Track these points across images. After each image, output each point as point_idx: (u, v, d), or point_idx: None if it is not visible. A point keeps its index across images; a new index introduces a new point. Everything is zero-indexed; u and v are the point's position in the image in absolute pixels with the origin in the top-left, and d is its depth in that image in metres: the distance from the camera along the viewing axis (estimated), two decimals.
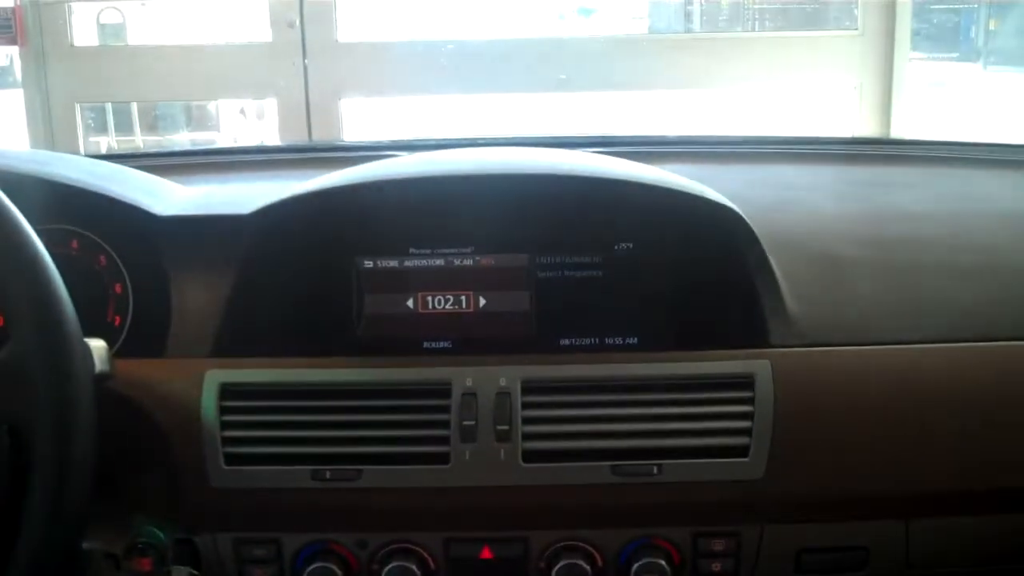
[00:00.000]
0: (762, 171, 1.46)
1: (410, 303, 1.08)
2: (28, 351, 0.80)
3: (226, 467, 1.00)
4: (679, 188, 1.08)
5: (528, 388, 1.01)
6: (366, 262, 1.08)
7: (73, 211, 1.09)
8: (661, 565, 1.01)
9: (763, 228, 1.07)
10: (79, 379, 0.81)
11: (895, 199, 1.31)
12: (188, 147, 3.43)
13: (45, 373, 0.80)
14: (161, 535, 1.04)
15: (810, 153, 1.58)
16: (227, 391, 1.02)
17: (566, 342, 1.08)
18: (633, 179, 1.10)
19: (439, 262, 1.09)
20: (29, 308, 0.81)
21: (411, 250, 1.09)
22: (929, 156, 1.55)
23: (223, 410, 1.01)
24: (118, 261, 1.11)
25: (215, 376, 1.02)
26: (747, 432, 1.00)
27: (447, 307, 1.08)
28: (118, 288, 1.10)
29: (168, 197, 1.16)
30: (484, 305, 1.08)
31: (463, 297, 1.08)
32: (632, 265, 1.08)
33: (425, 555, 1.03)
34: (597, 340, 1.08)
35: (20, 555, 0.79)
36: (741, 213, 1.06)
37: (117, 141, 3.61)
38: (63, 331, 0.81)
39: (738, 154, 1.55)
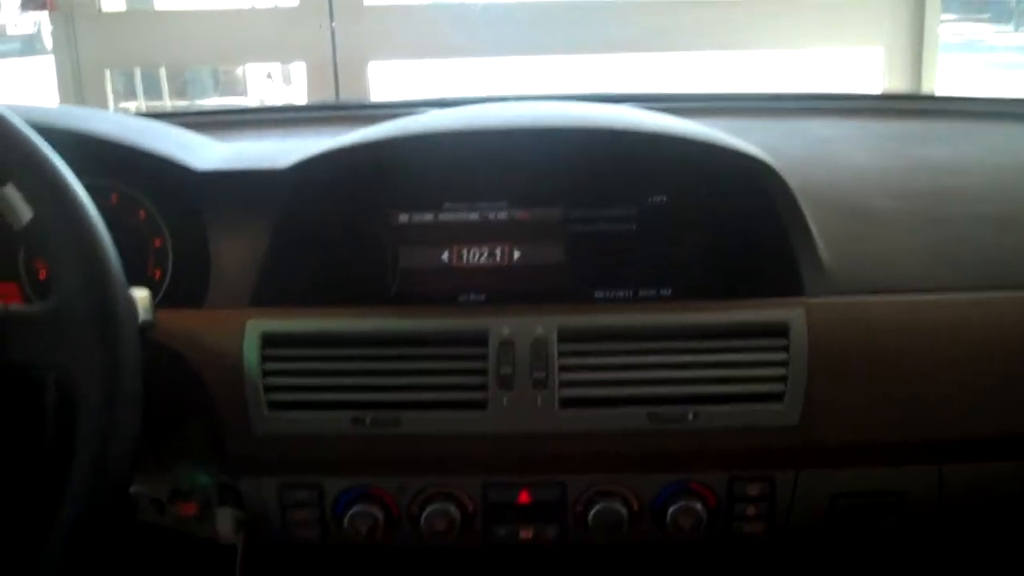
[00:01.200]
0: (794, 125, 1.46)
1: (445, 256, 1.09)
2: (74, 301, 0.81)
3: (268, 413, 1.02)
4: (712, 140, 1.09)
5: (564, 336, 1.03)
6: (401, 216, 1.09)
7: (113, 166, 1.10)
8: (697, 509, 1.03)
9: (795, 180, 1.07)
10: (125, 328, 0.83)
11: (927, 152, 1.31)
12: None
13: (92, 322, 0.81)
14: (205, 480, 1.07)
15: (842, 109, 1.57)
16: (268, 340, 1.03)
17: (600, 294, 1.09)
18: (667, 132, 1.10)
19: (474, 216, 1.10)
20: (75, 259, 0.82)
21: (446, 204, 1.10)
22: (961, 111, 1.55)
23: (264, 358, 1.03)
24: (157, 215, 1.13)
25: (256, 326, 1.04)
26: (782, 379, 1.01)
27: (482, 260, 1.09)
28: (157, 242, 1.12)
29: (205, 152, 1.18)
30: (518, 258, 1.09)
31: (498, 250, 1.10)
32: (665, 217, 1.09)
33: (464, 499, 1.05)
34: (631, 292, 1.08)
35: (69, 499, 0.80)
36: (774, 165, 1.07)
37: (146, 106, 3.63)
38: (109, 281, 0.83)
39: (770, 109, 1.55)
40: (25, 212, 0.82)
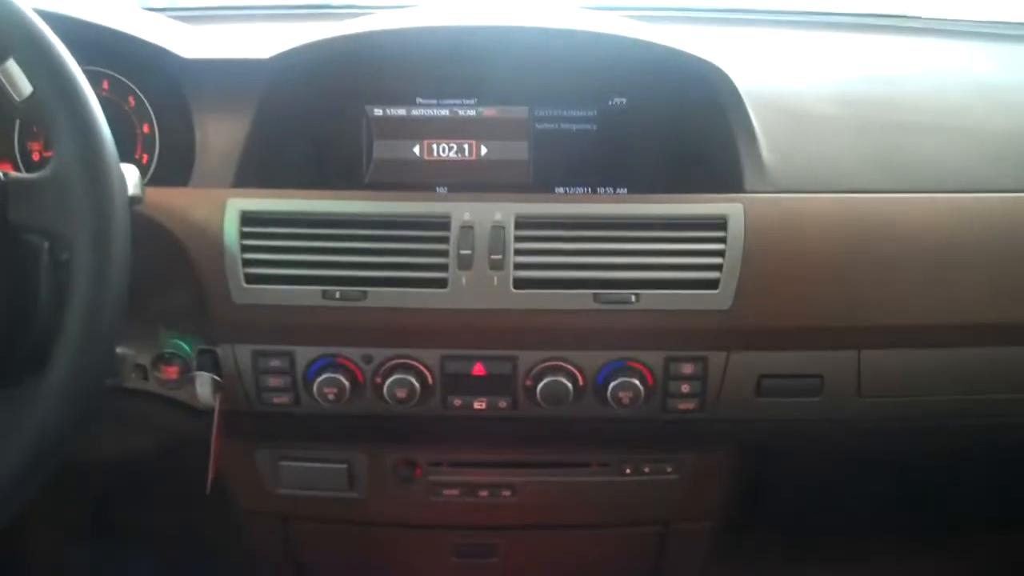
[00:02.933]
0: (755, 36, 1.52)
1: (416, 150, 1.17)
2: (70, 170, 0.86)
3: (246, 285, 1.09)
4: (669, 46, 1.15)
5: (520, 223, 1.10)
6: (376, 110, 1.16)
7: (105, 53, 1.16)
8: (635, 384, 1.11)
9: (747, 86, 1.14)
10: (116, 196, 0.88)
11: (880, 65, 1.38)
12: None
13: (86, 188, 0.86)
14: (186, 347, 1.15)
15: (806, 23, 1.63)
16: (247, 218, 1.10)
17: (561, 190, 1.16)
18: (627, 36, 1.17)
19: (444, 112, 1.17)
20: (72, 131, 0.86)
21: (418, 99, 1.17)
22: (936, 30, 1.60)
23: (243, 235, 1.10)
24: (145, 102, 1.19)
25: (236, 204, 1.11)
26: (718, 268, 1.09)
27: (450, 154, 1.17)
28: (146, 128, 1.18)
29: (192, 42, 1.23)
30: (485, 153, 1.17)
31: (466, 145, 1.17)
32: (625, 118, 1.16)
33: (423, 369, 1.13)
34: (590, 189, 1.16)
35: (59, 357, 0.86)
36: (725, 70, 1.13)
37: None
38: (103, 152, 0.88)
39: (733, 20, 1.60)
40: (25, 86, 0.87)
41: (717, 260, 1.09)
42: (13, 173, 0.87)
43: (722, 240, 1.10)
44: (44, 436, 0.85)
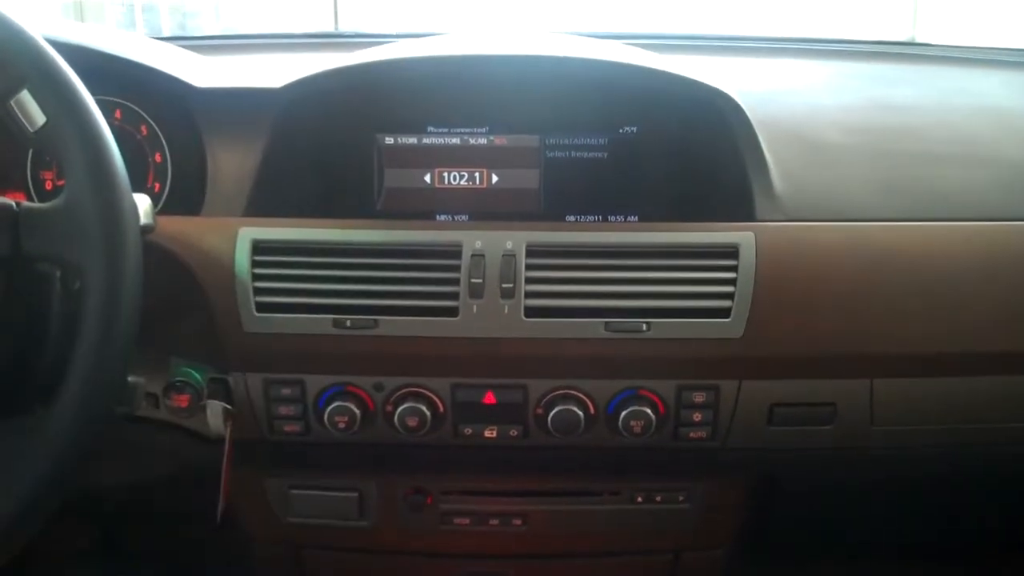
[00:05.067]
0: (765, 64, 1.52)
1: (427, 178, 1.17)
2: (82, 199, 0.86)
3: (257, 314, 1.10)
4: (679, 74, 1.16)
5: (531, 251, 1.10)
6: (387, 138, 1.17)
7: (118, 82, 1.17)
8: (647, 413, 1.11)
9: (758, 114, 1.15)
10: (128, 225, 0.88)
11: (888, 92, 1.38)
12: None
13: (99, 218, 0.86)
14: (197, 375, 1.14)
15: (815, 51, 1.64)
16: (259, 246, 1.11)
17: (571, 218, 1.16)
18: (638, 65, 1.17)
19: (455, 140, 1.17)
20: (85, 161, 0.87)
21: (429, 128, 1.17)
22: (936, 56, 1.61)
23: (255, 263, 1.11)
24: (158, 131, 1.20)
25: (248, 233, 1.11)
26: (729, 296, 1.09)
27: (461, 183, 1.17)
28: (158, 157, 1.19)
29: (204, 71, 1.24)
30: (496, 182, 1.17)
31: (477, 173, 1.17)
32: (635, 147, 1.16)
33: (434, 398, 1.13)
34: (601, 217, 1.16)
35: (70, 386, 0.86)
36: (736, 98, 1.14)
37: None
38: (115, 182, 0.88)
39: (744, 48, 1.61)
40: (38, 116, 0.87)
41: (729, 288, 1.09)
42: (25, 202, 0.88)
43: (733, 268, 1.10)
44: (54, 465, 0.85)
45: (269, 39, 1.69)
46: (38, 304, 0.95)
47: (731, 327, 1.09)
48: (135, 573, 1.63)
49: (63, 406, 0.86)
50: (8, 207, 0.87)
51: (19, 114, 0.87)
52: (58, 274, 0.96)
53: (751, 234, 1.11)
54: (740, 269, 1.09)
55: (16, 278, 0.90)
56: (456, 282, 1.10)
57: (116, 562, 1.65)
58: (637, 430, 1.11)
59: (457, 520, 1.23)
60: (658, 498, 1.22)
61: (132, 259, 0.88)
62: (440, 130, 1.18)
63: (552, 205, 1.17)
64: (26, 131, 0.88)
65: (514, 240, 1.11)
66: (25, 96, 0.87)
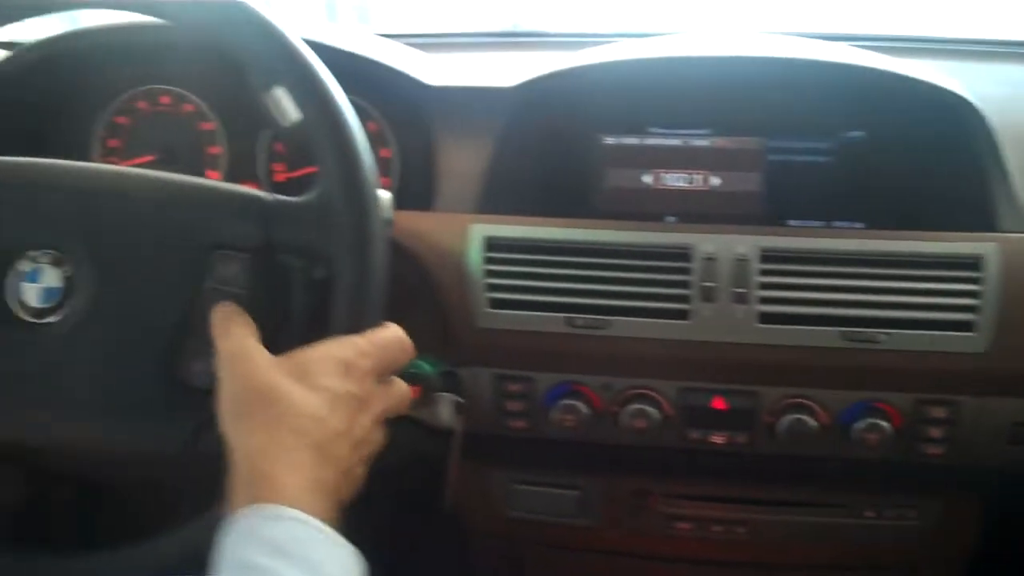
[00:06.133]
0: (1000, 69, 1.46)
1: (647, 178, 1.17)
2: (335, 194, 0.88)
3: (490, 310, 1.11)
4: (916, 77, 1.12)
5: (766, 256, 1.09)
6: (609, 138, 1.17)
7: (350, 79, 1.19)
8: (882, 426, 1.08)
9: (995, 119, 1.10)
10: (377, 221, 0.90)
11: None
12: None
13: (350, 211, 0.88)
14: (428, 367, 1.17)
15: None
16: (491, 243, 1.13)
17: (794, 223, 1.14)
18: (870, 67, 1.14)
19: (677, 142, 1.17)
20: (338, 157, 0.89)
21: (651, 129, 1.17)
22: None
23: (487, 260, 1.12)
24: (386, 128, 1.23)
25: (479, 230, 1.13)
26: (972, 309, 1.05)
27: (681, 184, 1.17)
28: (385, 152, 1.22)
29: (431, 69, 1.27)
30: (717, 184, 1.16)
31: (697, 175, 1.16)
32: (863, 152, 1.13)
33: (662, 400, 1.13)
34: (824, 223, 1.14)
35: None
36: (976, 103, 1.10)
37: None
38: (367, 178, 0.89)
39: (977, 53, 1.55)
40: (293, 113, 0.89)
41: (971, 301, 1.05)
42: (277, 195, 0.91)
43: (976, 280, 1.06)
44: None
45: (450, 38, 1.71)
46: (281, 294, 0.99)
47: (974, 341, 1.05)
48: None
49: None
50: (259, 199, 0.90)
51: (273, 109, 0.90)
52: (299, 264, 1.00)
53: (995, 245, 1.06)
54: (985, 281, 1.05)
55: (266, 269, 0.92)
56: (687, 285, 1.09)
57: None
58: (871, 443, 1.08)
59: (679, 524, 1.22)
60: (888, 513, 1.18)
61: (380, 252, 0.90)
62: (662, 131, 1.17)
63: (773, 209, 1.15)
64: (279, 126, 0.90)
65: (746, 244, 1.09)
66: (281, 93, 0.90)
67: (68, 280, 0.90)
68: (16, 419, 0.91)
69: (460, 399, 1.14)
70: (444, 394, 1.14)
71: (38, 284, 0.90)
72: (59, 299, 0.90)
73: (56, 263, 0.90)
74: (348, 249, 0.88)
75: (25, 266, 0.90)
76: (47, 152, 1.01)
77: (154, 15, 0.93)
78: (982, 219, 1.09)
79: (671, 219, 1.16)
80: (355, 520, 1.61)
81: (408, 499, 1.35)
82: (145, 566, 0.89)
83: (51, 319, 0.89)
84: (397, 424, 1.19)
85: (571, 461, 1.21)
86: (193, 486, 0.92)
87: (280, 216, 0.90)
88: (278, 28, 0.91)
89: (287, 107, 0.90)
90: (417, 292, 1.13)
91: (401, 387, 0.90)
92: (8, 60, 1.24)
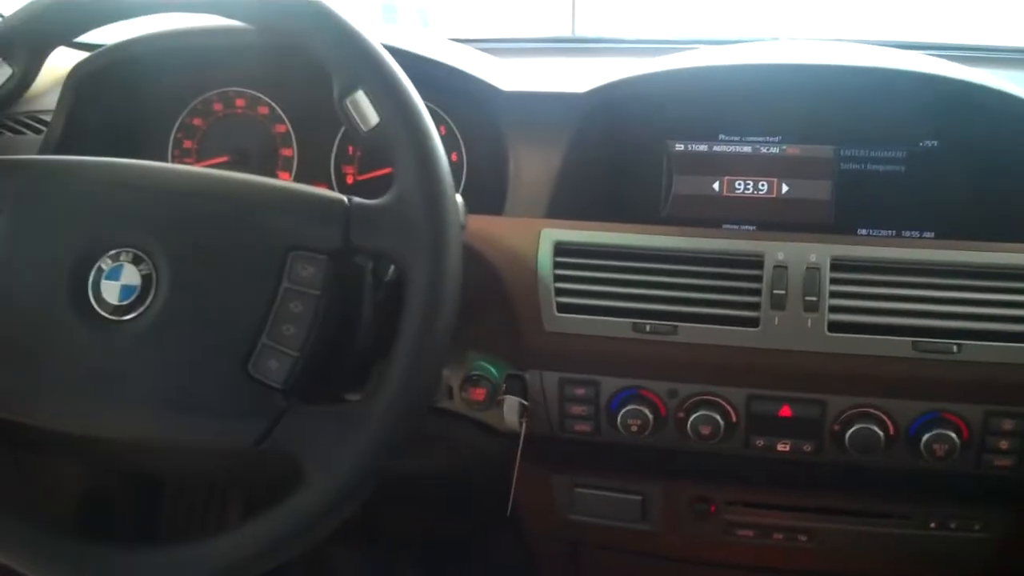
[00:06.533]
0: None
1: (716, 186, 1.18)
2: (412, 197, 0.90)
3: (558, 314, 1.12)
4: (989, 86, 1.12)
5: (836, 265, 1.08)
6: (677, 145, 1.18)
7: (424, 83, 1.21)
8: (951, 437, 1.07)
9: None
10: (452, 222, 0.91)
11: None
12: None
13: (426, 214, 0.89)
14: (493, 370, 1.18)
15: None
16: (560, 248, 1.13)
17: (864, 231, 1.15)
18: (944, 75, 1.14)
19: (746, 149, 1.17)
20: (416, 160, 0.90)
21: (721, 136, 1.18)
22: None
23: (556, 264, 1.13)
24: (456, 131, 1.24)
25: (550, 234, 1.14)
26: None
27: (750, 191, 1.17)
28: (454, 156, 1.23)
29: (503, 73, 1.28)
30: (786, 192, 1.17)
31: (766, 183, 1.17)
32: (936, 161, 1.13)
33: (728, 407, 1.13)
34: (895, 232, 1.14)
35: (395, 375, 0.88)
36: None
37: None
38: (444, 182, 0.91)
39: None
40: (372, 116, 0.91)
41: None
42: (356, 198, 0.92)
43: None
44: (375, 452, 0.88)
45: (514, 43, 1.71)
46: (353, 294, 1.00)
47: None
48: (403, 560, 1.69)
49: (387, 395, 0.89)
50: (341, 202, 0.91)
51: (354, 113, 0.92)
52: (370, 265, 1.01)
53: None
54: None
55: (343, 270, 0.94)
56: (757, 292, 1.09)
57: (379, 547, 1.71)
58: (939, 454, 1.08)
59: (741, 532, 1.22)
60: (953, 525, 1.18)
61: (454, 255, 0.91)
62: (731, 138, 1.18)
63: (844, 217, 1.15)
64: (360, 130, 0.92)
65: (817, 252, 1.09)
66: (360, 96, 0.92)
67: (146, 278, 0.91)
68: (92, 415, 0.93)
69: (524, 402, 1.15)
70: (509, 397, 1.16)
71: (118, 282, 0.92)
72: (138, 297, 0.91)
73: (136, 261, 0.92)
74: (424, 252, 0.89)
75: (106, 264, 0.92)
76: (125, 152, 1.03)
77: (233, 17, 0.95)
78: None
79: (739, 227, 1.16)
80: (419, 520, 1.65)
81: (471, 501, 1.36)
82: (206, 562, 0.91)
83: (129, 316, 0.91)
84: (462, 426, 1.22)
85: (634, 466, 1.22)
86: (257, 485, 0.94)
87: (359, 219, 0.91)
88: (359, 31, 0.92)
89: (367, 110, 0.92)
90: (486, 295, 1.14)
91: None
92: (88, 61, 1.27)
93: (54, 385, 0.92)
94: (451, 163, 1.21)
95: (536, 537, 1.36)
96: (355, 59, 0.92)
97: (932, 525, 1.18)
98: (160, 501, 1.71)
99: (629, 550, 1.30)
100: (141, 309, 0.91)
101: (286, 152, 1.32)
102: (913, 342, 1.06)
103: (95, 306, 0.92)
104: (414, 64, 1.19)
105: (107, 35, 1.16)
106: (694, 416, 1.12)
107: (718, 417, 1.11)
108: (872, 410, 1.10)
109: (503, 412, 1.16)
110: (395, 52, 0.95)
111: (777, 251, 1.09)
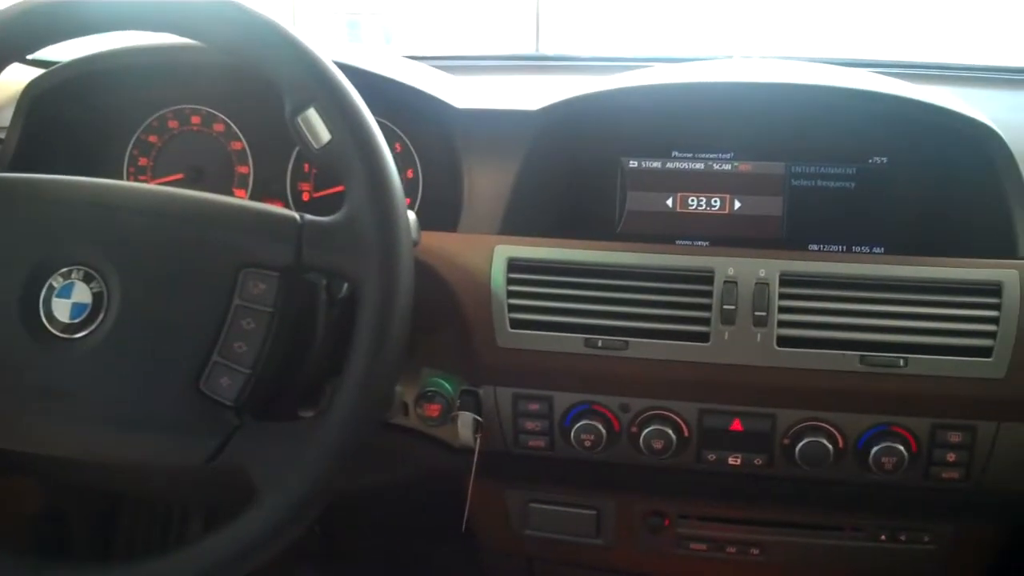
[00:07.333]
0: (1018, 96, 1.47)
1: (669, 202, 1.19)
2: (364, 214, 0.90)
3: (511, 330, 1.12)
4: (939, 104, 1.13)
5: (785, 280, 1.10)
6: (631, 162, 1.19)
7: (378, 100, 1.21)
8: (899, 450, 1.09)
9: (1017, 147, 1.11)
10: (403, 239, 0.91)
11: None
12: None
13: (378, 231, 0.89)
14: (447, 386, 1.18)
15: None
16: (514, 264, 1.14)
17: (815, 247, 1.16)
18: (892, 94, 1.15)
19: (699, 166, 1.19)
20: (367, 178, 0.90)
21: (674, 153, 1.19)
22: None
23: (510, 280, 1.13)
24: (412, 148, 1.24)
25: (503, 251, 1.14)
26: (991, 335, 1.06)
27: (703, 208, 1.18)
28: (409, 173, 1.24)
29: (458, 91, 1.28)
30: (739, 208, 1.18)
31: (719, 199, 1.18)
32: (885, 178, 1.15)
33: (680, 422, 1.14)
34: (844, 247, 1.16)
35: (345, 392, 0.88)
36: (997, 130, 1.11)
37: None
38: (395, 199, 0.91)
39: (994, 80, 1.56)
40: (324, 133, 0.91)
41: (990, 327, 1.06)
42: (308, 215, 0.92)
43: (996, 307, 1.06)
44: (327, 469, 0.88)
45: (474, 61, 1.72)
46: (306, 312, 1.00)
47: (993, 367, 1.06)
48: None
49: (339, 411, 0.89)
50: (292, 220, 0.91)
51: (306, 131, 0.92)
52: (324, 283, 1.01)
53: (1015, 271, 1.07)
54: (1003, 308, 1.06)
55: (296, 287, 0.94)
56: (708, 308, 1.10)
57: (339, 565, 1.70)
58: (888, 467, 1.09)
59: (694, 545, 1.23)
60: (902, 537, 1.19)
61: (406, 272, 0.91)
62: (685, 155, 1.19)
63: (795, 233, 1.17)
64: (312, 147, 0.92)
65: (766, 268, 1.10)
66: (312, 114, 0.91)
67: (98, 296, 0.91)
68: (42, 432, 0.92)
69: (479, 418, 1.16)
70: (463, 413, 1.16)
71: (69, 299, 0.91)
72: (89, 314, 0.91)
73: (87, 279, 0.91)
74: (375, 268, 0.89)
75: (57, 281, 0.92)
76: (80, 169, 1.02)
77: (185, 35, 0.94)
78: (1002, 246, 1.09)
79: (692, 242, 1.17)
80: (371, 537, 1.64)
81: (425, 516, 1.36)
82: None
83: (80, 334, 0.91)
84: (417, 442, 1.22)
85: (588, 481, 1.22)
86: (211, 501, 0.94)
87: (311, 236, 0.91)
88: (310, 48, 0.92)
89: (318, 127, 0.92)
90: (440, 311, 1.14)
91: None
92: (43, 77, 1.26)
93: (4, 402, 0.92)
94: (407, 180, 1.22)
95: (491, 553, 1.37)
96: (306, 76, 0.92)
97: (882, 537, 1.20)
98: (117, 518, 1.70)
99: (584, 565, 1.31)
100: (92, 327, 0.91)
101: (242, 169, 1.31)
102: (861, 356, 1.07)
103: (46, 324, 0.91)
104: (368, 82, 1.19)
105: (61, 52, 1.16)
106: (647, 431, 1.13)
107: (670, 432, 1.12)
108: (821, 423, 1.11)
109: (458, 428, 1.16)
110: (348, 70, 0.95)
111: (727, 267, 1.10)
